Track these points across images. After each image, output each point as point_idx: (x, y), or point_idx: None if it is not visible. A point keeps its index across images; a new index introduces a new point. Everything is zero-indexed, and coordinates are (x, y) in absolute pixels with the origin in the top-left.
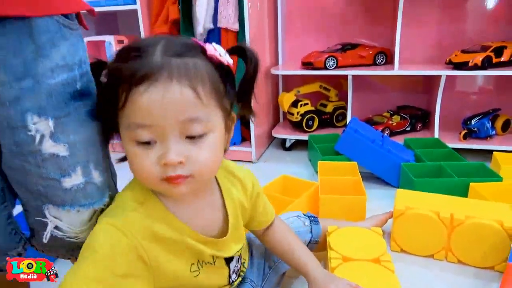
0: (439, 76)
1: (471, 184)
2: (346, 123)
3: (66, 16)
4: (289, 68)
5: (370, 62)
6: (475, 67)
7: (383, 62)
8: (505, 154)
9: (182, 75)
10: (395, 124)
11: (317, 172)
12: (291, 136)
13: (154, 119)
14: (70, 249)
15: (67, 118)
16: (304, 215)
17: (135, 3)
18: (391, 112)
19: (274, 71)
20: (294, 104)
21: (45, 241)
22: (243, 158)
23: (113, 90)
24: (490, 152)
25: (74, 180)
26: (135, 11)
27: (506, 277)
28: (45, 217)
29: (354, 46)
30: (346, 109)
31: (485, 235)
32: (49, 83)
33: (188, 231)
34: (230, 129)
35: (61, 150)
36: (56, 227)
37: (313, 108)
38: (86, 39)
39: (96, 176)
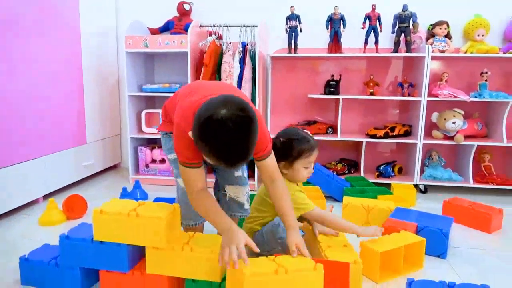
0: (362, 142)
1: (378, 196)
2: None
3: None
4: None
5: (324, 132)
6: (380, 138)
7: (331, 132)
8: (398, 184)
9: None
10: (339, 169)
11: None
12: None
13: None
14: (240, 205)
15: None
16: None
17: None
18: (336, 162)
19: None
20: None
21: (227, 199)
22: (251, 188)
23: (300, 153)
24: (390, 184)
25: (237, 174)
26: None
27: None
28: (225, 191)
29: (314, 122)
30: None
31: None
32: None
33: None
34: None
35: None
36: (230, 195)
37: None
38: (146, 110)
39: (244, 174)
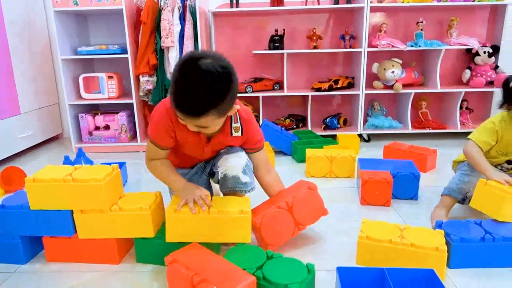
0: (308, 96)
1: (324, 146)
2: (260, 124)
3: None
4: None
5: (271, 88)
6: (324, 90)
7: (278, 88)
8: (342, 135)
9: None
10: (287, 124)
11: None
12: None
13: None
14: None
15: None
16: None
17: (127, 53)
18: (285, 118)
19: None
20: None
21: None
22: None
23: None
24: (336, 135)
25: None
26: (126, 58)
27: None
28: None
29: (261, 79)
30: (259, 116)
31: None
32: None
33: None
34: None
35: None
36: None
37: None
38: (84, 75)
39: None
